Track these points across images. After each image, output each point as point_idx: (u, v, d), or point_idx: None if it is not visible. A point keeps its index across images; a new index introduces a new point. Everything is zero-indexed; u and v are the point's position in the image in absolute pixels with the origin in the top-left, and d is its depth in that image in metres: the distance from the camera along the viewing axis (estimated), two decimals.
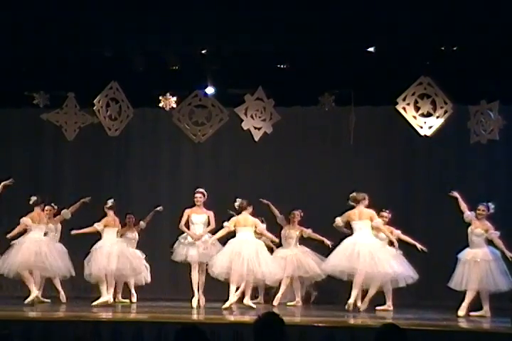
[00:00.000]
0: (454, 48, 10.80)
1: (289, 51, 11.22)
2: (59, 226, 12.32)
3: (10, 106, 13.03)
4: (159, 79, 11.93)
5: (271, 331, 4.80)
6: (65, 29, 10.64)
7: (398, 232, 11.58)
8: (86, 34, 10.70)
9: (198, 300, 11.40)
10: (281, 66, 11.65)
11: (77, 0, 10.51)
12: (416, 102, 11.01)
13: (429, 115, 11.08)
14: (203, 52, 11.30)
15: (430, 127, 11.09)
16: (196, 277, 11.44)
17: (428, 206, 12.06)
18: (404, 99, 11.02)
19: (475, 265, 10.81)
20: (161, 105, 12.12)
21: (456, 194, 11.05)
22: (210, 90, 12.04)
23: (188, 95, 11.96)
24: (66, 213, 12.26)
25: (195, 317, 10.34)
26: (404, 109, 11.03)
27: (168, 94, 12.05)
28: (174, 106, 12.06)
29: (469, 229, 10.95)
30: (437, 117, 11.05)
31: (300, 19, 10.32)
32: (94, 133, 12.61)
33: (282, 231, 12.23)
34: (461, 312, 10.80)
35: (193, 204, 11.53)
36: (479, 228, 10.90)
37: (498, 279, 10.76)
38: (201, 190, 11.55)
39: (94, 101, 11.70)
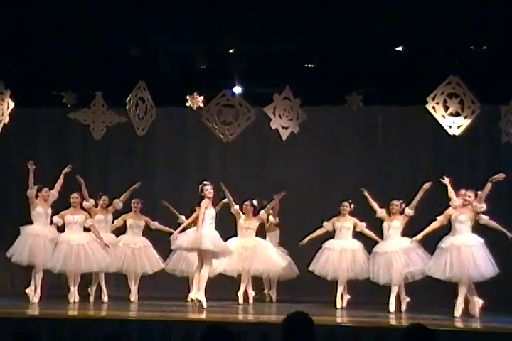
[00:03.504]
0: (484, 48, 10.75)
1: (316, 50, 11.21)
2: (110, 216, 12.33)
3: (38, 106, 13.09)
4: (186, 78, 11.95)
5: (300, 331, 4.78)
6: (92, 29, 10.69)
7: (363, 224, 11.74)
8: (113, 34, 10.75)
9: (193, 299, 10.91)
10: (309, 65, 11.64)
11: (105, 0, 10.56)
12: (445, 101, 10.97)
13: (457, 114, 11.03)
14: (230, 51, 11.32)
15: (459, 127, 11.05)
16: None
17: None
18: (433, 99, 10.98)
19: (459, 252, 10.61)
20: (188, 104, 12.13)
21: (447, 181, 10.97)
22: (237, 89, 12.05)
23: (216, 94, 11.97)
24: (117, 203, 12.30)
25: (222, 316, 10.33)
26: (433, 108, 10.99)
27: (195, 93, 12.06)
28: (201, 105, 12.07)
29: (453, 216, 10.80)
30: (465, 117, 11.01)
31: (328, 18, 10.31)
32: (122, 132, 12.67)
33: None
34: (458, 312, 10.58)
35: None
36: (463, 214, 10.74)
37: (481, 266, 10.52)
38: (207, 182, 11.13)
39: (126, 100, 11.74)
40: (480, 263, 10.49)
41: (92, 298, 12.06)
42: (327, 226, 11.88)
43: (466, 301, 10.62)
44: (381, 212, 11.60)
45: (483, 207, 10.69)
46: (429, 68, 11.05)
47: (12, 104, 11.65)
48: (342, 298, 11.73)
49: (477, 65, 10.82)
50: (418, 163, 12.87)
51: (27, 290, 11.64)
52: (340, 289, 11.67)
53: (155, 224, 12.43)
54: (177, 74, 11.76)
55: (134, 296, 12.35)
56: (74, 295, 11.68)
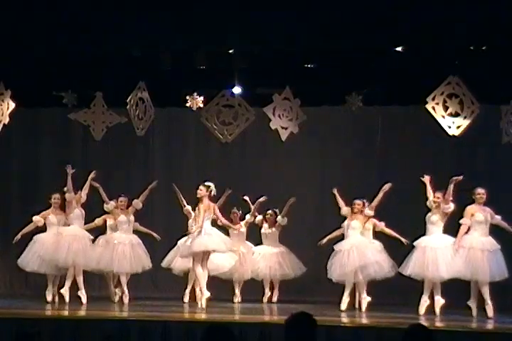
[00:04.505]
0: (483, 48, 10.76)
1: (316, 50, 11.21)
2: (132, 217, 12.24)
3: (38, 106, 13.09)
4: (186, 78, 11.95)
5: (303, 331, 4.78)
6: (93, 29, 10.69)
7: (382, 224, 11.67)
8: (114, 33, 10.74)
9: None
10: (309, 65, 11.64)
11: (105, 0, 10.56)
12: (445, 102, 10.96)
13: (457, 115, 11.03)
14: (230, 51, 11.31)
15: (458, 127, 11.04)
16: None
17: (457, 205, 11.96)
18: (433, 99, 10.97)
19: (424, 252, 10.78)
20: (188, 105, 12.13)
21: (427, 180, 11.05)
22: (236, 90, 12.05)
23: (215, 95, 11.98)
24: (137, 203, 12.21)
25: (222, 316, 10.34)
26: (433, 108, 10.99)
27: (195, 93, 12.06)
28: (201, 105, 12.07)
29: (426, 217, 10.96)
30: (464, 117, 11.01)
31: (328, 18, 10.31)
32: (122, 132, 12.66)
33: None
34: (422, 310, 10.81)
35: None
36: (435, 215, 10.88)
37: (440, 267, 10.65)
38: (207, 183, 11.22)
39: (127, 100, 11.75)
40: (440, 264, 10.62)
41: (117, 298, 12.11)
42: (345, 226, 11.79)
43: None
44: (345, 211, 11.67)
45: (450, 207, 10.85)
46: (429, 68, 11.04)
47: (13, 105, 11.62)
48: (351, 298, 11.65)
49: (477, 65, 10.82)
50: (418, 163, 12.84)
51: (62, 291, 11.66)
52: (363, 290, 11.58)
53: (135, 225, 12.36)
54: (177, 74, 11.76)
55: (114, 297, 12.29)
56: (51, 295, 11.68)
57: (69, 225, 11.83)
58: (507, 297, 11.56)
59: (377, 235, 11.68)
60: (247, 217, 12.40)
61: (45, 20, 10.52)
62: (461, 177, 10.78)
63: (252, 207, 12.42)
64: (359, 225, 11.51)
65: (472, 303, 10.72)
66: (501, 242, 10.78)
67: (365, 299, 11.31)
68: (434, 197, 10.95)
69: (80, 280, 11.69)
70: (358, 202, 11.59)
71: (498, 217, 10.83)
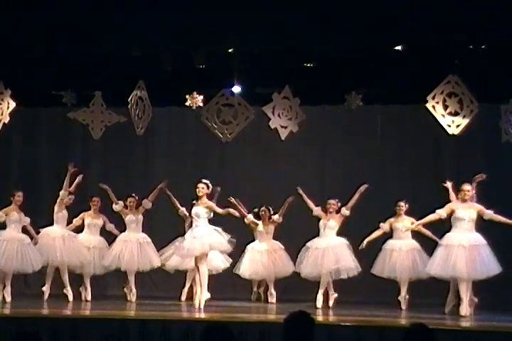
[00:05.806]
0: (483, 47, 10.77)
1: (316, 50, 11.22)
2: (140, 217, 12.30)
3: (38, 105, 13.09)
4: (186, 78, 11.97)
5: (301, 330, 4.80)
6: (93, 28, 10.69)
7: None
8: (113, 33, 10.75)
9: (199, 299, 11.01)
10: (309, 65, 11.65)
11: (105, 0, 10.56)
12: (444, 101, 10.99)
13: (456, 114, 11.05)
14: (230, 51, 11.32)
15: (458, 126, 11.06)
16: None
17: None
18: (433, 98, 10.99)
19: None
20: (187, 104, 12.14)
21: (449, 185, 11.05)
22: (236, 89, 12.06)
23: (215, 94, 11.99)
24: (147, 203, 12.29)
25: (221, 315, 10.34)
26: (433, 107, 11.01)
27: (194, 92, 12.07)
28: (201, 104, 12.10)
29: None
30: (464, 116, 11.02)
31: (327, 18, 10.31)
32: (121, 131, 12.66)
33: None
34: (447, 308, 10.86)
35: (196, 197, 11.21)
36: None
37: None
38: (205, 181, 11.14)
39: (128, 99, 11.76)
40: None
41: (129, 297, 12.16)
42: (384, 227, 11.75)
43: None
44: (317, 211, 11.74)
45: None
46: (429, 67, 11.05)
47: (13, 104, 11.63)
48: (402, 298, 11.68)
49: (477, 64, 10.84)
50: (418, 163, 12.87)
51: (65, 291, 11.95)
52: (404, 289, 11.60)
53: (110, 227, 12.42)
54: (176, 73, 11.77)
55: (89, 295, 12.22)
56: (8, 294, 11.60)
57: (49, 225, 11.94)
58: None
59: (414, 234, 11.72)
60: (275, 217, 12.30)
61: (45, 20, 10.53)
62: (484, 176, 10.73)
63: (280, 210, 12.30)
64: (335, 224, 11.59)
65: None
66: (496, 238, 10.71)
67: (333, 295, 11.48)
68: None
69: (66, 278, 11.84)
70: (332, 201, 11.67)
71: (489, 212, 10.58)
